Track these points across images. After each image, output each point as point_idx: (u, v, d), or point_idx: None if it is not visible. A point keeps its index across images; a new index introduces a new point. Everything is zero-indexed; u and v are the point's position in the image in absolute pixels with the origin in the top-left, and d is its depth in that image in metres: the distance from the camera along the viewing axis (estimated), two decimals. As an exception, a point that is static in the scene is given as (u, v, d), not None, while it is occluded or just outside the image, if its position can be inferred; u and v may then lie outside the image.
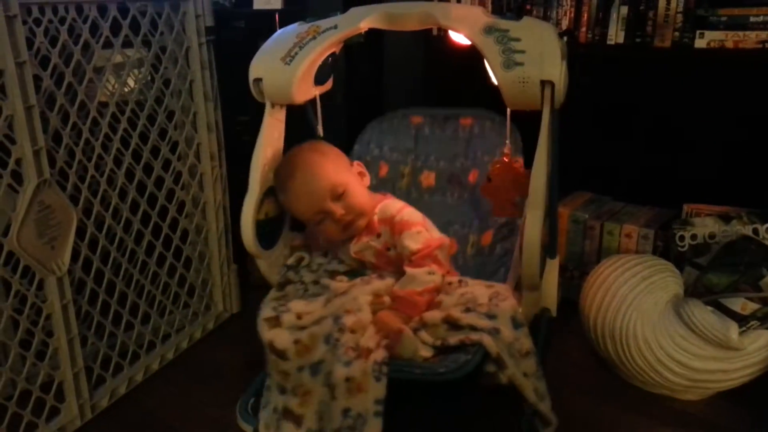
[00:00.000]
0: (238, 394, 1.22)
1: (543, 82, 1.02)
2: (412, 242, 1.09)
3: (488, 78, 1.10)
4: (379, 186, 1.38)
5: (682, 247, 1.37)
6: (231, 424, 1.18)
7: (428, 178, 1.36)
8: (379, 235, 1.15)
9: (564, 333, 1.33)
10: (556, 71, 1.02)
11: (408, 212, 1.14)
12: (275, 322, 1.06)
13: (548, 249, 1.33)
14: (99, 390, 1.24)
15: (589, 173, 1.66)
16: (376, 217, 1.16)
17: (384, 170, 1.37)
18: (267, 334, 1.04)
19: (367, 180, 1.19)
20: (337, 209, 1.11)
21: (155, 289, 1.36)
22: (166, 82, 1.33)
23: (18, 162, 1.02)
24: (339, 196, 1.11)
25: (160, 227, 1.35)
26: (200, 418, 1.22)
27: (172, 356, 1.41)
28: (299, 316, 1.06)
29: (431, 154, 1.35)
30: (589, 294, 1.29)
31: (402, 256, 1.12)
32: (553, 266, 1.44)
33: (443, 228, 1.34)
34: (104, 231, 1.22)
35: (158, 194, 1.34)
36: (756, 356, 1.15)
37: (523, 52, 1.03)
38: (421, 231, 1.11)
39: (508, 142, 1.20)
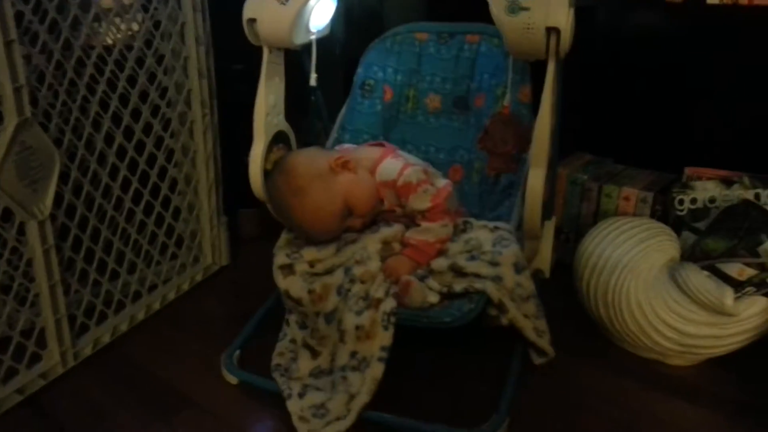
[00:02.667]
0: (224, 346, 1.22)
1: (549, 29, 0.98)
2: (421, 203, 1.11)
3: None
4: (383, 111, 1.35)
5: (681, 211, 1.34)
6: (216, 375, 1.18)
7: (434, 101, 1.35)
8: (382, 201, 1.15)
9: (555, 295, 1.31)
10: (563, 18, 0.98)
11: (408, 172, 1.12)
12: (289, 270, 1.12)
13: (546, 210, 1.31)
14: (82, 338, 1.22)
15: (589, 134, 1.62)
16: (377, 180, 1.15)
17: (389, 95, 1.35)
18: (282, 282, 1.12)
19: (353, 164, 1.14)
20: (356, 222, 1.14)
21: (142, 238, 1.33)
22: (156, 24, 1.28)
23: (-2, 99, 0.98)
24: (349, 212, 1.12)
25: (148, 175, 1.32)
26: (185, 368, 1.21)
27: (159, 306, 1.39)
28: (311, 264, 1.12)
29: (436, 75, 1.34)
30: (584, 255, 1.27)
31: (410, 214, 1.13)
32: (548, 227, 1.43)
33: (449, 153, 1.34)
34: (89, 176, 1.18)
35: (146, 140, 1.30)
36: (749, 323, 1.13)
37: (529, -5, 0.99)
38: (427, 188, 1.11)
39: (508, 93, 1.16)
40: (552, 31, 0.99)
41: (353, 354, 1.05)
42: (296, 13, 1.11)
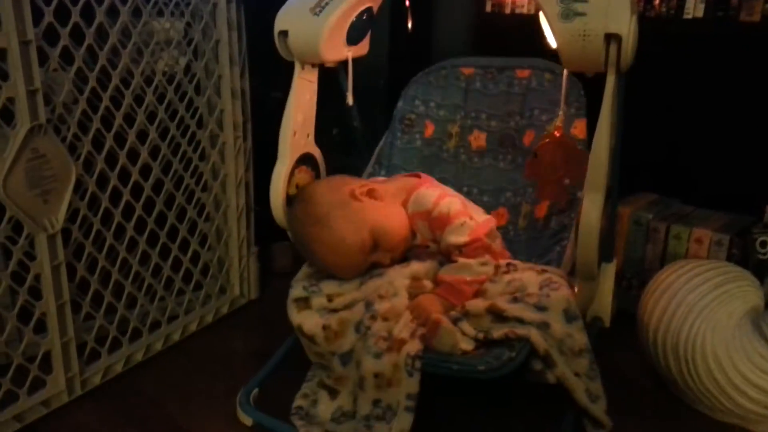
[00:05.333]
0: (242, 384, 1.11)
1: (608, 37, 0.87)
2: (458, 236, 0.98)
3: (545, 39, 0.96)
4: (423, 147, 1.24)
5: (764, 254, 1.17)
6: (230, 415, 1.08)
7: (478, 139, 1.24)
8: (414, 234, 1.04)
9: (618, 348, 1.16)
10: (625, 23, 0.87)
11: (446, 203, 1.01)
12: (305, 303, 1.01)
13: (604, 251, 1.17)
14: (92, 366, 1.14)
15: (654, 172, 1.48)
16: (409, 210, 1.03)
17: (430, 130, 1.25)
18: (296, 317, 1.00)
19: (379, 193, 1.04)
20: (383, 258, 1.02)
21: (164, 264, 1.25)
22: (189, 40, 1.23)
23: (11, 101, 0.93)
24: (374, 246, 1.01)
25: (174, 196, 1.25)
26: (199, 406, 1.11)
27: (178, 338, 1.30)
28: (330, 298, 1.01)
29: (482, 111, 1.23)
30: (650, 301, 1.11)
31: (446, 250, 1.00)
32: (608, 271, 1.28)
33: (494, 196, 1.21)
34: (108, 192, 1.12)
35: (173, 160, 1.23)
36: None
37: (585, 0, 0.88)
38: (465, 221, 0.99)
39: (561, 112, 1.04)
40: (612, 38, 0.88)
41: (376, 402, 0.93)
42: (331, 26, 1.05)
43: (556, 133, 1.06)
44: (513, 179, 1.19)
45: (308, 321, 0.98)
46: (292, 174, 1.12)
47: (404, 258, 1.05)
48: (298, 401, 1.03)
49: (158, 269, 1.25)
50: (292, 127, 1.11)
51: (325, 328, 0.97)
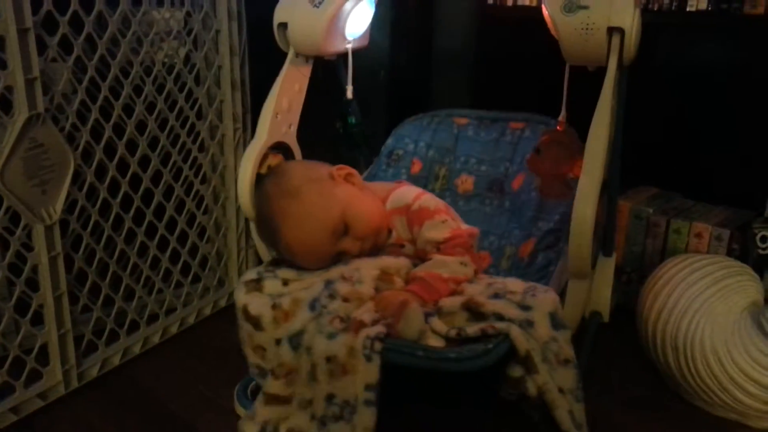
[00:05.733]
0: (240, 376, 1.11)
1: (611, 30, 0.86)
2: (437, 232, 0.91)
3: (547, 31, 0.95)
4: (409, 182, 1.23)
5: (764, 249, 1.16)
6: (228, 407, 1.07)
7: (465, 183, 1.20)
8: (389, 232, 0.96)
9: (616, 343, 1.16)
10: (628, 17, 0.87)
11: (427, 198, 0.96)
12: (255, 286, 0.91)
13: (603, 245, 1.16)
14: (89, 358, 1.13)
15: (655, 166, 1.47)
16: (387, 207, 0.97)
17: (417, 167, 1.21)
18: (242, 297, 0.89)
19: (358, 179, 0.97)
20: (352, 246, 0.92)
21: (163, 256, 1.24)
22: (188, 30, 1.22)
23: (9, 90, 0.92)
24: (344, 230, 0.91)
25: (173, 188, 1.24)
26: (196, 399, 1.10)
27: (176, 330, 1.29)
28: (286, 282, 0.91)
29: (472, 156, 1.20)
30: (650, 295, 1.11)
31: (422, 251, 0.92)
32: (607, 265, 1.27)
33: (478, 239, 1.19)
34: (106, 183, 1.11)
35: (172, 151, 1.22)
36: None
37: (588, -7, 0.88)
38: (447, 219, 0.92)
39: (564, 109, 1.04)
40: (614, 32, 0.87)
41: (330, 398, 0.79)
42: (330, 17, 1.03)
43: (558, 127, 1.06)
44: (498, 223, 1.14)
45: (255, 301, 0.87)
46: (265, 157, 1.04)
47: (375, 255, 0.95)
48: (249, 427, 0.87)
49: (156, 261, 1.24)
50: (275, 107, 1.05)
51: (274, 307, 0.85)
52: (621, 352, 1.17)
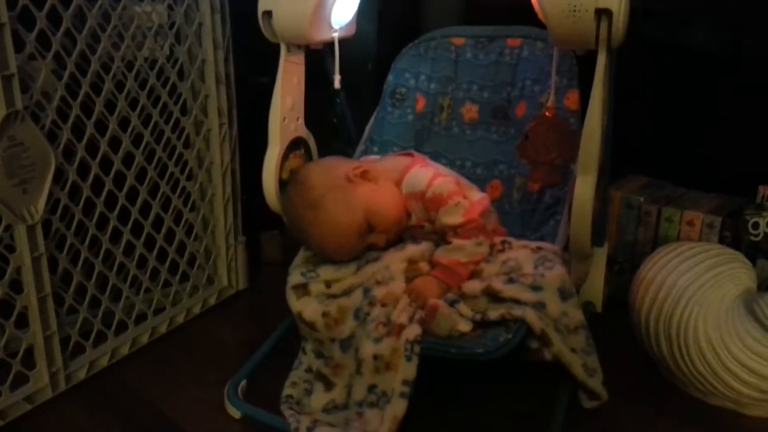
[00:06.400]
0: (231, 376, 1.10)
1: (599, 12, 0.85)
2: (453, 217, 0.98)
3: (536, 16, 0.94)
4: (415, 121, 1.23)
5: (756, 236, 1.16)
6: (218, 407, 1.06)
7: (470, 111, 1.22)
8: (409, 215, 1.04)
9: (609, 333, 1.15)
10: (615, -3, 0.85)
11: (439, 183, 1.00)
12: (303, 290, 1.01)
13: (596, 235, 1.15)
14: (76, 360, 1.11)
15: (645, 154, 1.46)
16: (403, 191, 1.03)
17: (421, 104, 1.24)
18: (295, 304, 1.00)
19: (373, 173, 1.04)
20: (378, 239, 1.02)
21: (150, 254, 1.22)
22: (171, 24, 1.20)
23: (-16, 88, 0.90)
24: (369, 228, 1.01)
25: (158, 185, 1.22)
26: (186, 399, 1.09)
27: (165, 330, 1.27)
28: (328, 284, 1.01)
29: (474, 82, 1.22)
30: (642, 284, 1.10)
31: (441, 230, 1.00)
32: (600, 255, 1.28)
33: (487, 168, 1.20)
34: (89, 181, 1.09)
35: (157, 148, 1.20)
36: None
37: (575, -27, 0.86)
38: (459, 201, 0.98)
39: (552, 90, 1.03)
40: (602, 13, 0.86)
41: (371, 388, 0.92)
42: (316, 5, 1.02)
43: (547, 113, 1.05)
44: (506, 151, 1.18)
45: (308, 308, 0.98)
46: (285, 159, 1.11)
47: (399, 239, 1.05)
48: (288, 390, 1.02)
49: (144, 260, 1.22)
50: (281, 112, 1.08)
51: (324, 315, 0.97)
52: (614, 343, 1.16)
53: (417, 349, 0.89)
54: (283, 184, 1.10)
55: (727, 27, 1.34)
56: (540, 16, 0.91)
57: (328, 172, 1.03)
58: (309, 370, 1.04)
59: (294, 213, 1.03)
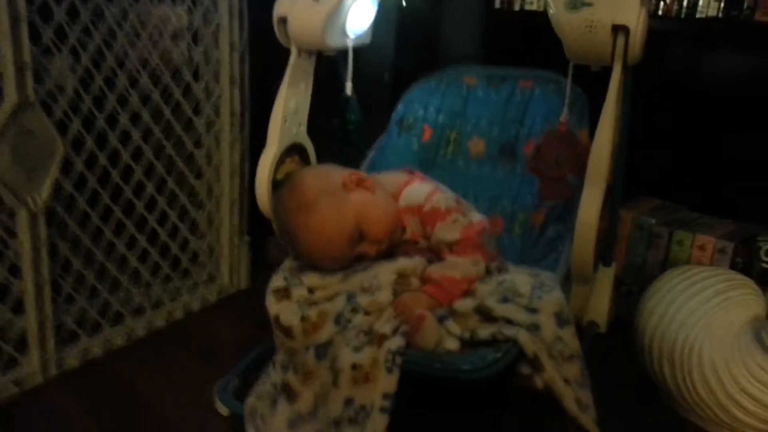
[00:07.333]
0: (224, 374, 1.08)
1: (616, 29, 0.84)
2: (449, 233, 0.94)
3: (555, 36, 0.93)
4: (420, 151, 1.21)
5: (768, 263, 1.13)
6: (209, 405, 1.05)
7: (477, 146, 1.19)
8: (404, 229, 0.99)
9: (612, 355, 1.12)
10: (633, 15, 0.84)
11: (438, 198, 0.97)
12: (284, 294, 0.96)
13: (603, 255, 1.13)
14: (70, 347, 1.12)
15: (658, 178, 1.44)
16: (400, 205, 0.99)
17: (428, 134, 1.21)
18: (273, 307, 0.95)
19: (370, 182, 1.00)
20: (369, 249, 0.96)
21: (152, 248, 1.23)
22: (189, 25, 1.22)
23: (-1, 76, 0.92)
24: (360, 237, 0.96)
25: (166, 181, 1.23)
26: (178, 394, 1.09)
27: (163, 325, 1.27)
28: (311, 290, 0.96)
29: (483, 118, 1.19)
30: (648, 305, 1.08)
31: (436, 247, 0.96)
32: (606, 274, 1.24)
33: (490, 203, 1.17)
34: (97, 173, 1.10)
35: (167, 145, 1.21)
36: None
37: (593, -10, 0.86)
38: (457, 218, 0.94)
39: (566, 108, 1.01)
40: (619, 30, 0.84)
41: (348, 402, 0.85)
42: (330, 12, 1.02)
43: (561, 128, 1.03)
44: (510, 187, 1.14)
45: (286, 312, 0.93)
46: (281, 162, 1.09)
47: (391, 253, 1.00)
48: (253, 400, 0.97)
49: (146, 254, 1.22)
50: (283, 112, 1.07)
51: (303, 319, 0.91)
52: (617, 364, 1.14)
53: (399, 360, 0.83)
54: (276, 185, 1.07)
55: (746, 51, 1.32)
56: (556, 30, 0.90)
57: (324, 177, 0.99)
58: (273, 385, 0.98)
59: (284, 216, 0.99)
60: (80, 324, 1.12)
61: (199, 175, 1.30)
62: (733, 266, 1.19)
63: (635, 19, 0.84)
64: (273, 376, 0.98)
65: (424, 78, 1.24)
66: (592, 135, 1.03)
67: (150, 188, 1.19)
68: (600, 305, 1.25)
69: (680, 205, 1.40)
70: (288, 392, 0.93)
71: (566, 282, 0.96)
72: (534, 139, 1.13)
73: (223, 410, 1.02)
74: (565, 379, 0.87)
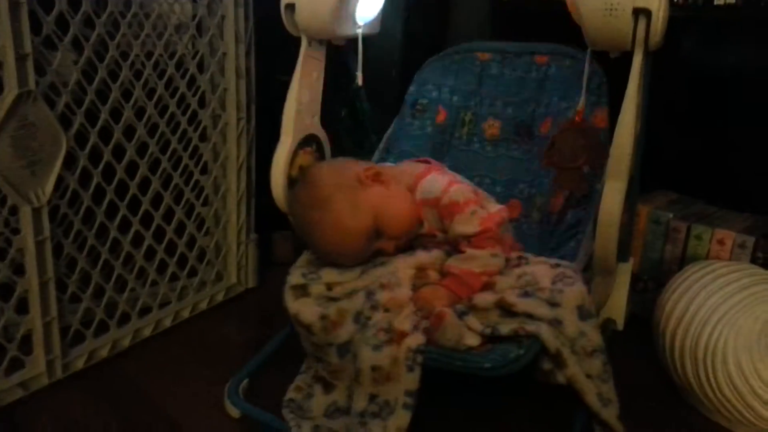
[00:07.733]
0: (233, 374, 1.06)
1: (636, 12, 0.81)
2: (468, 226, 0.93)
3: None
4: (434, 134, 1.18)
5: (793, 258, 1.10)
6: (218, 405, 1.02)
7: (492, 127, 1.18)
8: (421, 223, 0.98)
9: (630, 354, 1.10)
10: (655, -3, 0.81)
11: (455, 190, 0.95)
12: (302, 291, 0.96)
13: (620, 249, 1.10)
14: (76, 348, 1.09)
15: (677, 171, 1.40)
16: (417, 197, 0.98)
17: (442, 116, 1.19)
18: (292, 305, 0.95)
19: (386, 176, 0.98)
20: (387, 245, 0.96)
21: (158, 246, 1.20)
22: (193, 15, 1.19)
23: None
24: (378, 233, 0.95)
25: (171, 177, 1.20)
26: (185, 395, 1.06)
27: (170, 324, 1.24)
28: (329, 287, 0.96)
29: (498, 98, 1.17)
30: (668, 302, 1.04)
31: (454, 240, 0.95)
32: (624, 270, 1.22)
33: (507, 187, 1.15)
34: (101, 168, 1.07)
35: (172, 139, 1.18)
36: None
37: (613, -28, 0.83)
38: (476, 210, 0.93)
39: (583, 98, 0.98)
40: (640, 13, 0.82)
41: (372, 397, 0.86)
42: (340, -1, 0.99)
43: (576, 119, 1.00)
44: (528, 170, 1.13)
45: (306, 310, 0.93)
46: (295, 155, 1.07)
47: (410, 246, 0.99)
48: (291, 394, 0.98)
49: (152, 252, 1.20)
50: (297, 104, 1.06)
51: (323, 317, 0.91)
52: (635, 363, 1.11)
53: (419, 359, 0.83)
54: (292, 181, 1.06)
55: (765, 40, 1.28)
56: (574, 15, 0.87)
57: (339, 172, 0.98)
58: (310, 378, 0.99)
59: (300, 212, 0.98)
60: (86, 324, 1.09)
61: (204, 170, 1.27)
62: (753, 261, 1.16)
63: (657, 2, 0.81)
64: (312, 365, 1.00)
65: (436, 56, 1.22)
66: (611, 113, 1.02)
67: (155, 183, 1.17)
68: (617, 302, 1.22)
69: (698, 199, 1.37)
70: (323, 382, 0.95)
71: (586, 271, 0.95)
72: (551, 118, 1.11)
73: (234, 412, 1.00)
74: (587, 375, 0.88)
